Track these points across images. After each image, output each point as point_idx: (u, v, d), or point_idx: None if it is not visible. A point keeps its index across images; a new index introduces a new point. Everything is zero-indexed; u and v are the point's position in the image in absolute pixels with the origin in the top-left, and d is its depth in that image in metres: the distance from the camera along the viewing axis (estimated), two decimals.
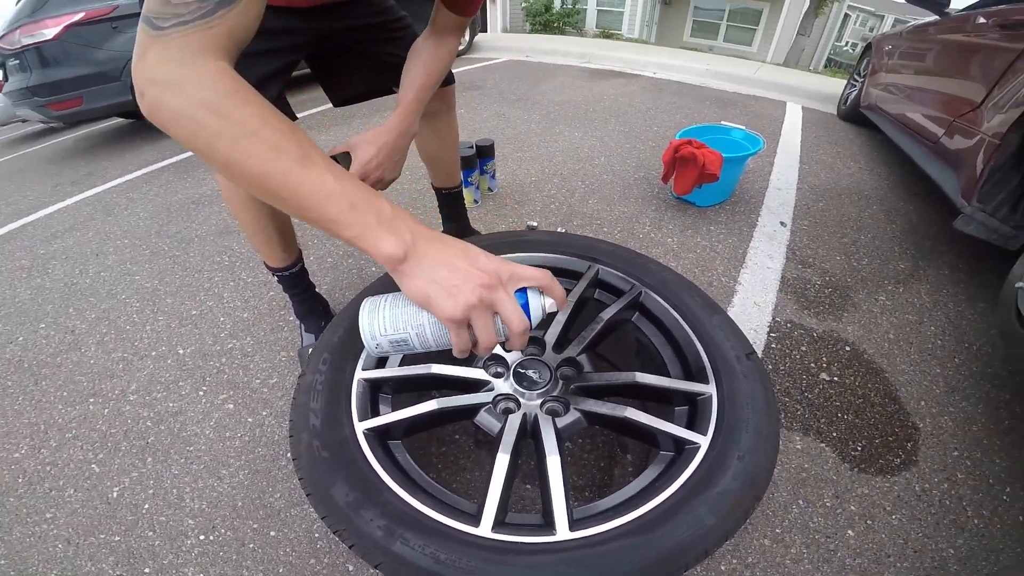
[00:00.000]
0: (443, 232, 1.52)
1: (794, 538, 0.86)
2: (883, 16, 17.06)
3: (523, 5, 11.41)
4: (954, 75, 1.76)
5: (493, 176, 2.05)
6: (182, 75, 0.43)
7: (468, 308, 0.46)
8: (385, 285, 0.89)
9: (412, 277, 0.47)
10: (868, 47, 3.04)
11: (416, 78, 0.92)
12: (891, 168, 2.35)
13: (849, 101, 3.06)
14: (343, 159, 0.89)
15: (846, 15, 15.05)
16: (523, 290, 0.52)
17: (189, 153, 3.13)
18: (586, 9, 12.97)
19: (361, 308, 0.53)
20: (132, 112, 4.08)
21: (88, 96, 3.26)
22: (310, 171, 0.45)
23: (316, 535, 0.91)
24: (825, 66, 12.94)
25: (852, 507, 0.90)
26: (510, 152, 2.53)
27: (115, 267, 1.88)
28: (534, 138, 2.72)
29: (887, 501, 0.91)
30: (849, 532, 0.87)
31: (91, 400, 1.27)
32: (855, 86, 3.08)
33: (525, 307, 0.51)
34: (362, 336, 0.52)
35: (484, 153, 1.93)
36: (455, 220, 1.52)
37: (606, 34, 10.63)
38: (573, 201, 2.02)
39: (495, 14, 10.70)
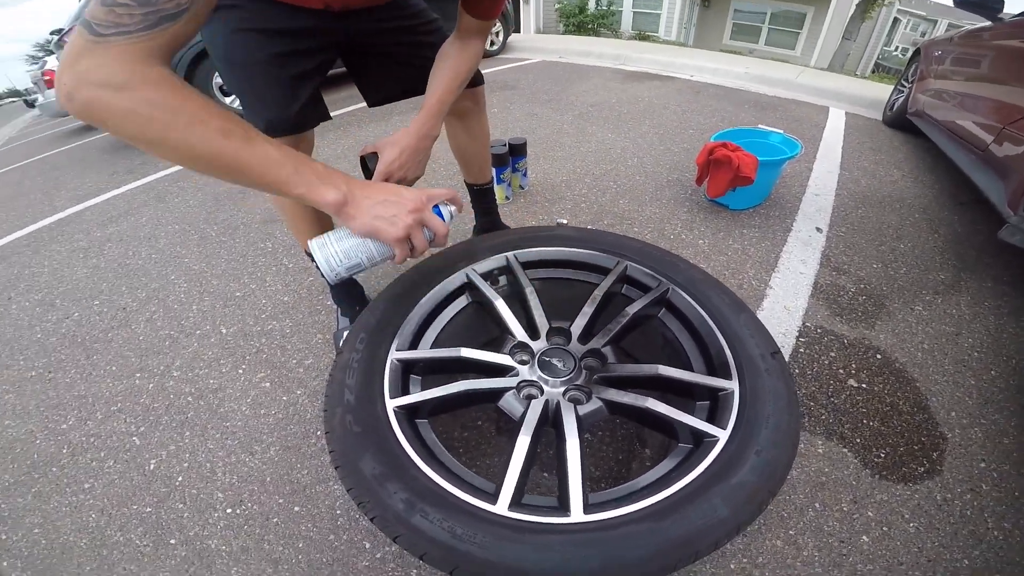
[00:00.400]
0: (474, 226, 1.58)
1: (807, 541, 0.86)
2: (936, 21, 16.33)
3: (557, 6, 11.39)
4: (1006, 81, 1.69)
5: (525, 174, 2.07)
6: (126, 78, 0.47)
7: (407, 228, 0.65)
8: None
9: (355, 217, 0.64)
10: (917, 52, 2.94)
11: (440, 82, 0.95)
12: (936, 176, 2.26)
13: (896, 107, 2.96)
14: (371, 159, 0.94)
15: (896, 19, 14.46)
16: (436, 206, 0.71)
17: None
18: (621, 11, 12.84)
19: (312, 250, 0.69)
20: None
21: None
22: (256, 147, 0.56)
23: (338, 511, 0.95)
24: (872, 71, 12.45)
25: (870, 513, 0.89)
26: (542, 151, 2.55)
27: (166, 250, 2.00)
28: (566, 138, 2.74)
29: (906, 509, 0.90)
30: (864, 538, 0.86)
31: (138, 375, 1.35)
32: (902, 92, 2.97)
33: (440, 217, 0.71)
34: (320, 270, 0.69)
35: (516, 151, 1.96)
36: (486, 215, 1.55)
37: (642, 36, 10.52)
38: (604, 201, 2.02)
39: (528, 15, 10.73)
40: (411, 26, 1.04)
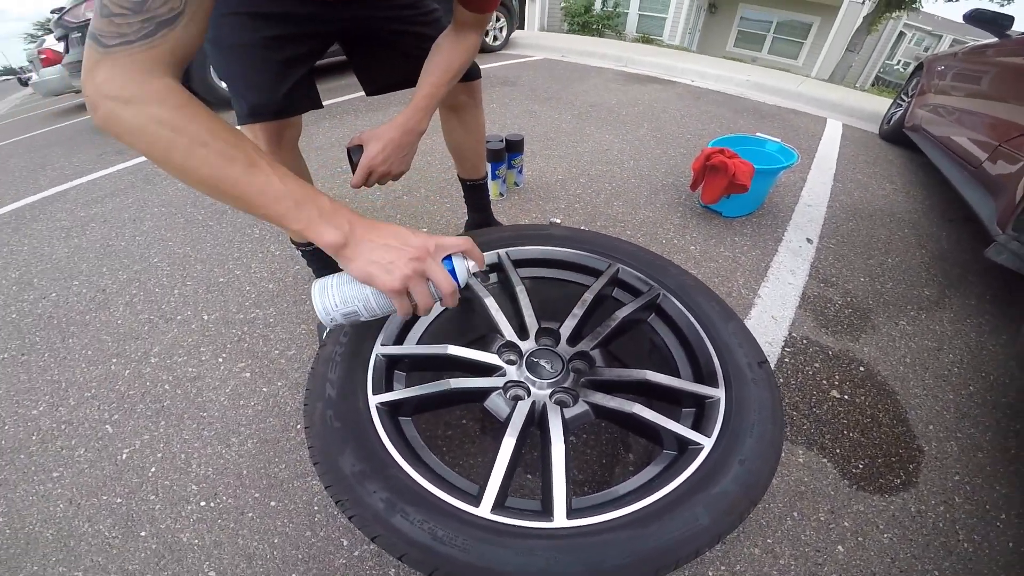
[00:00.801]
0: (467, 222, 1.56)
1: (784, 549, 0.87)
2: (941, 36, 16.49)
3: (562, 5, 11.35)
4: (1007, 99, 1.70)
5: (520, 171, 2.06)
6: (132, 92, 0.48)
7: (404, 279, 0.57)
8: None
9: (353, 260, 0.57)
10: (919, 66, 2.96)
11: (430, 75, 0.92)
12: (928, 191, 2.28)
13: (893, 121, 2.98)
14: (356, 152, 0.91)
15: (901, 33, 14.59)
16: (449, 257, 0.62)
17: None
18: (627, 13, 12.85)
19: (312, 290, 0.62)
20: None
21: None
22: (257, 175, 0.52)
23: (315, 508, 0.93)
24: (872, 84, 12.57)
25: (846, 523, 0.91)
26: (538, 149, 2.54)
27: (150, 232, 1.96)
28: (563, 137, 2.73)
29: (881, 520, 0.91)
30: (839, 547, 0.87)
31: (114, 360, 1.31)
32: (901, 106, 3.00)
33: (452, 272, 0.62)
34: (317, 312, 0.62)
35: (513, 148, 1.95)
36: (479, 211, 1.54)
37: (646, 39, 10.51)
38: (598, 202, 2.02)
39: (533, 12, 10.69)
40: (409, 16, 1.02)
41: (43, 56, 4.87)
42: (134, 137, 0.50)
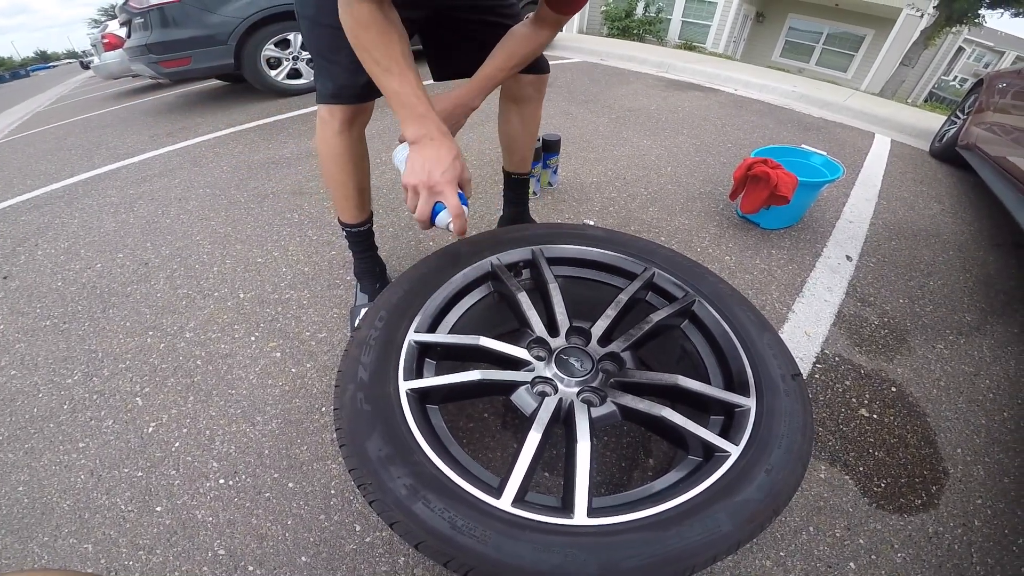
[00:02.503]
0: (501, 216, 1.57)
1: (796, 563, 0.85)
2: (1003, 52, 15.71)
3: (602, 9, 11.28)
4: None
5: (555, 171, 2.05)
6: (344, 8, 0.75)
7: (408, 185, 0.79)
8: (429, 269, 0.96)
9: (413, 151, 0.79)
10: (979, 83, 2.83)
11: (495, 59, 0.96)
12: (977, 214, 2.18)
13: (945, 138, 2.85)
14: None
15: (960, 48, 13.96)
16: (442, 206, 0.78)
17: (275, 117, 3.34)
18: (670, 19, 12.68)
19: (400, 147, 0.90)
20: (229, 75, 4.36)
21: (196, 56, 3.50)
22: (387, 78, 0.78)
23: (332, 492, 0.94)
24: (925, 100, 12.06)
25: (861, 540, 0.89)
26: (574, 151, 2.53)
27: (194, 212, 2.03)
28: (600, 140, 2.71)
29: (897, 539, 0.89)
30: (851, 564, 0.85)
31: (150, 333, 1.36)
32: (955, 123, 2.87)
33: (435, 212, 0.79)
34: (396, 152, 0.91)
35: (550, 148, 1.94)
36: (515, 206, 1.54)
37: (688, 46, 10.36)
38: (633, 206, 1.99)
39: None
40: (492, 6, 1.05)
41: (106, 40, 5.11)
42: (347, 31, 0.77)
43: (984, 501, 0.96)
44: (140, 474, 0.99)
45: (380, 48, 0.75)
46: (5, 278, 1.69)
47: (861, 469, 1.01)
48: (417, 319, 0.82)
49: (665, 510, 0.61)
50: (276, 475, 0.97)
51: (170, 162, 2.69)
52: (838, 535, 0.89)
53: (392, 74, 0.76)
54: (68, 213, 2.16)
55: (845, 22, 12.61)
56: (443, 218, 0.78)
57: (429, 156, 0.76)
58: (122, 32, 4.29)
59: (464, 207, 0.78)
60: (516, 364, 0.81)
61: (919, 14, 10.58)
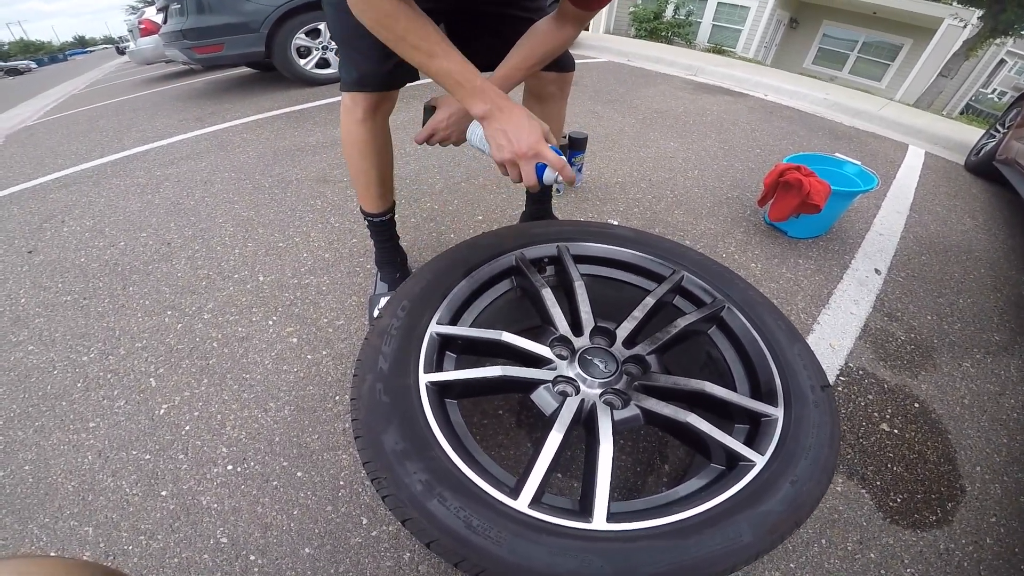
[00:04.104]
0: (523, 213, 1.55)
1: (805, 575, 0.83)
2: None
3: (631, 10, 11.17)
4: None
5: (580, 169, 2.03)
6: (364, 5, 0.72)
7: (502, 160, 0.76)
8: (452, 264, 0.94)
9: (489, 127, 0.77)
10: (1021, 96, 2.72)
11: (515, 56, 0.93)
12: (1012, 231, 2.10)
13: (983, 152, 2.76)
14: (429, 111, 0.96)
15: (1002, 61, 13.51)
16: (543, 165, 0.75)
17: (302, 105, 3.37)
18: (700, 22, 12.53)
19: (473, 125, 0.86)
20: (259, 63, 4.41)
21: (229, 43, 3.56)
22: (433, 62, 0.74)
23: (341, 483, 0.92)
24: (961, 112, 11.69)
25: (872, 554, 0.87)
26: (599, 150, 2.50)
27: (219, 195, 2.05)
28: (626, 140, 2.67)
29: (907, 555, 0.88)
30: None
31: (168, 312, 1.36)
32: (994, 137, 2.77)
33: (540, 172, 0.75)
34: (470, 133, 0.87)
35: (576, 145, 1.90)
36: (538, 203, 1.52)
37: (717, 50, 10.20)
38: (659, 208, 1.96)
39: (599, 14, 10.57)
40: (514, 0, 1.03)
41: (142, 26, 5.22)
42: (369, 25, 0.75)
43: (998, 519, 0.95)
44: (148, 457, 0.98)
45: (416, 33, 0.73)
46: (30, 252, 1.72)
47: (878, 483, 0.99)
48: (440, 311, 0.80)
49: (686, 518, 0.60)
50: (285, 463, 0.96)
51: (197, 146, 2.72)
52: (850, 548, 0.87)
53: (437, 56, 0.74)
54: (95, 192, 2.20)
55: (882, 30, 12.36)
56: (549, 176, 0.77)
57: (509, 126, 0.74)
58: (158, 18, 4.37)
59: (561, 156, 0.77)
60: (538, 362, 0.79)
61: (962, 25, 10.28)
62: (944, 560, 0.87)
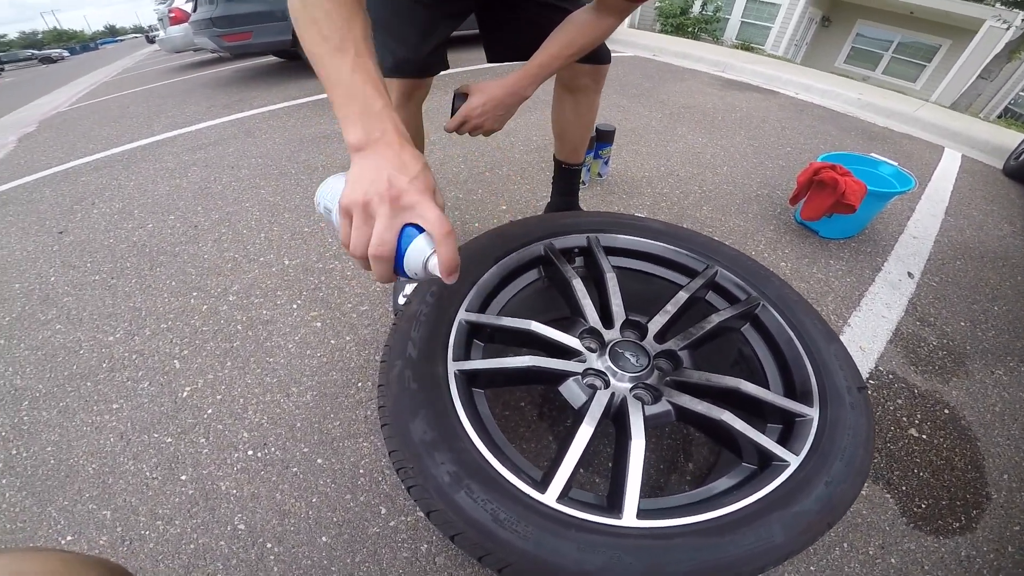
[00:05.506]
0: (548, 204, 1.53)
1: None
2: None
3: (657, 5, 11.00)
4: None
5: (607, 162, 2.00)
6: None
7: (350, 203, 0.48)
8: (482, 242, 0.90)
9: (355, 165, 0.51)
10: None
11: (551, 46, 0.90)
12: None
13: (1023, 156, 2.66)
14: (460, 99, 0.93)
15: None
16: (417, 226, 0.48)
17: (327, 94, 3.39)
18: (728, 19, 12.29)
19: (328, 180, 0.56)
20: (285, 52, 4.45)
21: (257, 32, 3.60)
22: (335, 59, 0.52)
23: (361, 471, 0.92)
24: (999, 116, 11.28)
25: (893, 560, 0.86)
26: (625, 144, 2.47)
27: (245, 180, 2.07)
28: (652, 135, 2.63)
29: (928, 561, 0.86)
30: None
31: (194, 294, 1.37)
32: None
33: (401, 247, 0.48)
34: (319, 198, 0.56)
35: (603, 138, 1.90)
36: (565, 195, 1.50)
37: (745, 47, 10.00)
38: (686, 204, 1.92)
39: None
40: None
41: (172, 15, 5.32)
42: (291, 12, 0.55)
43: (1022, 528, 0.93)
44: (169, 440, 0.98)
45: (333, 21, 0.52)
46: (61, 233, 1.76)
47: (904, 488, 0.97)
48: (468, 298, 0.79)
49: (717, 516, 0.58)
50: (306, 450, 0.96)
51: (225, 131, 2.76)
52: (871, 553, 0.86)
53: (345, 54, 0.52)
54: (125, 176, 2.24)
55: (919, 31, 11.98)
56: (421, 248, 0.47)
57: (388, 161, 0.49)
58: (188, 7, 4.44)
59: (443, 220, 0.48)
60: (567, 353, 0.77)
61: (1005, 26, 9.90)
62: (964, 567, 0.86)
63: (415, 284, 0.82)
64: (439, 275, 0.48)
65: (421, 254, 0.47)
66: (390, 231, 0.47)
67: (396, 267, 0.49)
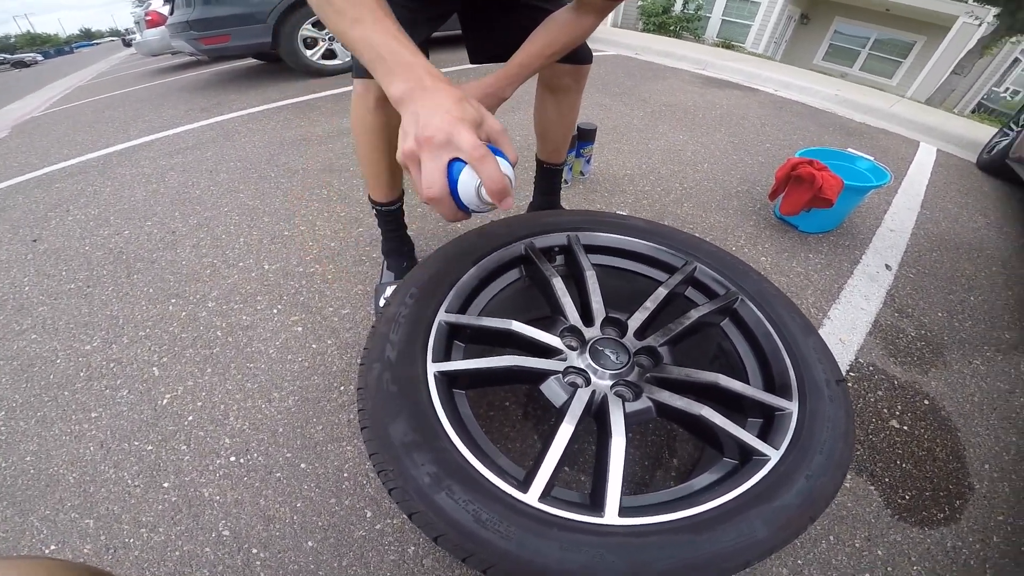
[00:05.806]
0: (531, 203, 1.53)
1: (812, 572, 0.83)
2: None
3: (639, 4, 11.09)
4: None
5: (588, 161, 2.01)
6: None
7: (403, 157, 0.52)
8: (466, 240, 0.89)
9: (404, 112, 0.53)
10: None
11: (532, 45, 0.90)
12: (1023, 229, 2.07)
13: (996, 150, 2.72)
14: None
15: (1016, 59, 13.32)
16: (460, 161, 0.49)
17: (308, 96, 3.34)
18: (709, 17, 12.43)
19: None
20: (265, 55, 4.40)
21: (235, 34, 3.54)
22: (356, 30, 0.55)
23: (345, 475, 0.91)
24: (973, 111, 11.56)
25: (879, 552, 0.87)
26: (607, 142, 2.48)
27: (224, 184, 2.04)
28: (634, 133, 2.65)
29: (915, 552, 0.88)
30: (867, 575, 0.84)
31: (173, 300, 1.35)
32: (1008, 135, 2.72)
33: (453, 181, 0.49)
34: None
35: (585, 136, 1.90)
36: (547, 194, 1.50)
37: (726, 45, 10.11)
38: (667, 201, 1.94)
39: None
40: None
41: (148, 18, 5.22)
42: None
43: (1006, 518, 0.95)
44: (150, 448, 0.97)
45: None
46: (35, 241, 1.72)
47: (887, 480, 0.99)
48: (448, 299, 0.79)
49: (699, 513, 0.58)
50: (289, 455, 0.95)
51: (203, 136, 2.71)
52: (857, 545, 0.87)
53: (363, 22, 0.54)
54: (101, 181, 2.19)
55: (895, 28, 12.24)
56: (468, 179, 0.48)
57: (422, 107, 0.51)
58: (165, 9, 4.36)
59: (501, 158, 0.51)
60: (547, 352, 0.77)
61: (977, 23, 10.14)
62: (951, 558, 0.87)
63: (395, 287, 0.81)
64: (492, 201, 0.50)
65: (471, 184, 0.49)
66: (434, 172, 0.49)
67: (459, 204, 0.51)
